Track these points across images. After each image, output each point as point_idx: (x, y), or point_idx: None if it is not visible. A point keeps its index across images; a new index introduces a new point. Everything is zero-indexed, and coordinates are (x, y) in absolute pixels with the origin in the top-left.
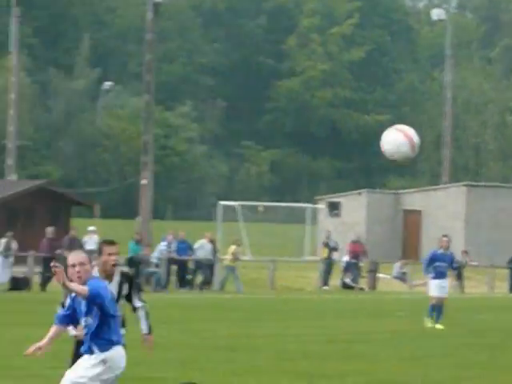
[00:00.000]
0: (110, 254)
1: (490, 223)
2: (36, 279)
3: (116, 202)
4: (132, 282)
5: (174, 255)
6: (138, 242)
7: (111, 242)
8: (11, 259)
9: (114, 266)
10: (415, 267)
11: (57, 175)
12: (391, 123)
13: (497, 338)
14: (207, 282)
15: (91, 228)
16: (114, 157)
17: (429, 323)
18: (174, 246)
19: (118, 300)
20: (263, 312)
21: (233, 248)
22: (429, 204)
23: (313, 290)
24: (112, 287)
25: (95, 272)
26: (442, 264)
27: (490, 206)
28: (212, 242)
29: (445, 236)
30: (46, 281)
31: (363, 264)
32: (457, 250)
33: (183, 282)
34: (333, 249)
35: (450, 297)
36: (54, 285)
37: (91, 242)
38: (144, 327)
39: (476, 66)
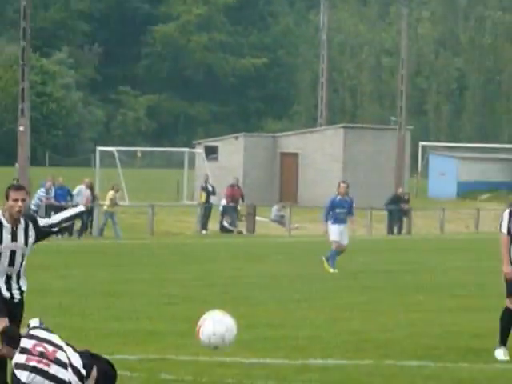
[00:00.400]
0: (15, 200)
1: (368, 165)
2: None
3: None
4: (38, 226)
5: (53, 201)
6: None
7: (18, 187)
8: None
9: (19, 212)
10: (293, 210)
11: None
12: (267, 67)
13: (375, 280)
14: (85, 228)
15: None
16: None
17: (330, 268)
18: (52, 192)
19: (26, 245)
20: (142, 257)
21: (111, 193)
22: (306, 146)
23: (192, 235)
24: (19, 233)
25: (1, 215)
26: (342, 210)
27: (367, 148)
28: (91, 187)
29: (343, 182)
30: None
31: (241, 207)
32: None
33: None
34: (211, 193)
35: (327, 239)
36: None
37: None
38: None
39: (351, 8)
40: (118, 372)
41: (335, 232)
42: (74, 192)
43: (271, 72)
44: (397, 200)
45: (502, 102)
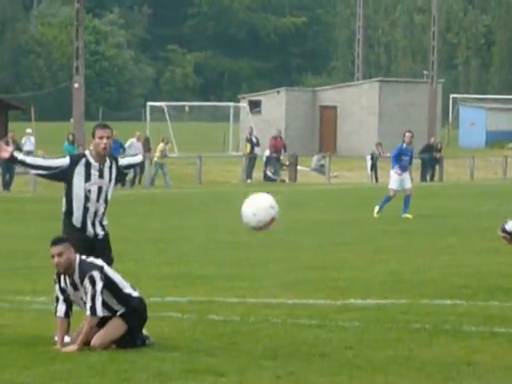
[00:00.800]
0: (101, 138)
1: (401, 116)
2: None
3: (51, 106)
4: (118, 166)
5: None
6: (72, 143)
7: (104, 126)
8: None
9: (105, 148)
10: (332, 160)
11: None
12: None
13: (410, 225)
14: (138, 179)
15: (28, 130)
16: (48, 63)
17: (375, 212)
18: None
19: (109, 182)
20: (191, 205)
21: (161, 146)
22: (344, 100)
23: (237, 183)
24: (105, 170)
25: (88, 154)
26: (406, 158)
27: (401, 100)
28: (146, 140)
29: (408, 132)
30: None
31: (283, 158)
32: (371, 142)
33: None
34: (255, 144)
35: (365, 186)
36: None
37: (29, 143)
38: None
39: None
40: (170, 314)
41: (395, 181)
42: (126, 145)
43: (310, 30)
44: (429, 149)
45: None
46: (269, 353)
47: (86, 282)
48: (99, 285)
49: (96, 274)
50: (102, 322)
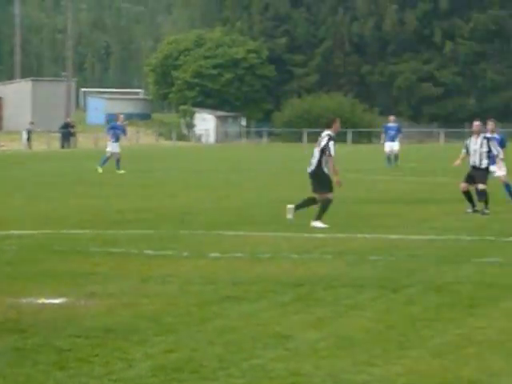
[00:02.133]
0: None
1: (48, 104)
2: None
3: None
4: None
5: None
6: None
7: None
8: None
9: None
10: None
11: None
12: None
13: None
14: None
15: None
16: None
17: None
18: None
19: None
20: None
21: None
22: (7, 93)
23: None
24: None
25: None
26: None
27: (48, 93)
28: None
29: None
30: None
31: None
32: (26, 121)
33: None
34: None
35: (22, 153)
36: None
37: None
38: None
39: None
40: None
41: None
42: None
43: None
44: (67, 125)
45: None
46: None
47: None
48: None
49: None
50: None
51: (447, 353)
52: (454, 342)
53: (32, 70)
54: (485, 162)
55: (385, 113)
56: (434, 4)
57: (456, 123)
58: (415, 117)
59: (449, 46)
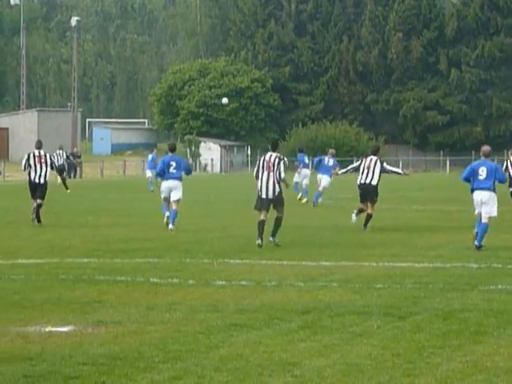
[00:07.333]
0: None
1: (55, 134)
2: None
3: None
4: None
5: None
6: None
7: None
8: None
9: None
10: (6, 164)
11: None
12: None
13: (61, 206)
14: None
15: None
16: None
17: None
18: None
19: None
20: None
21: None
22: (13, 123)
23: None
24: None
25: None
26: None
27: (54, 123)
28: None
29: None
30: None
31: None
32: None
33: None
34: None
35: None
36: None
37: None
38: None
39: None
40: None
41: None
42: None
43: None
44: (73, 155)
45: None
46: None
47: None
48: None
49: None
50: None
51: (455, 380)
52: (461, 369)
53: (38, 101)
54: None
55: (390, 141)
56: (439, 31)
57: (462, 151)
58: (421, 145)
59: (454, 73)
